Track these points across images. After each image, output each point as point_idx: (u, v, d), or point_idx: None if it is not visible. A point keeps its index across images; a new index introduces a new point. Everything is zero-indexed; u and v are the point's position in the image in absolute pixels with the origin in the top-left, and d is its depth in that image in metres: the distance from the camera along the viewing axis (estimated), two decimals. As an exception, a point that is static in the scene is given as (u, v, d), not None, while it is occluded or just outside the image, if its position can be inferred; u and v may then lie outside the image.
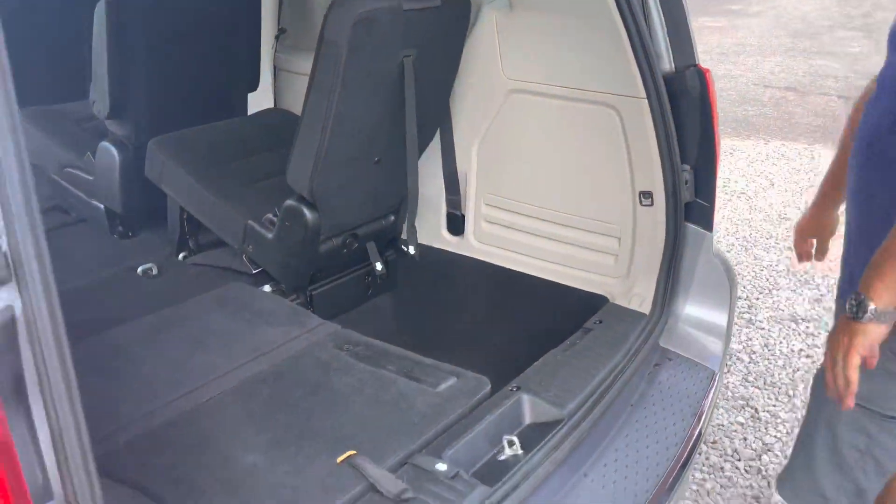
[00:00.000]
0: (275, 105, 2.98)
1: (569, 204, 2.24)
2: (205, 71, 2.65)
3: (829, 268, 3.88)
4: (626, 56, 1.92)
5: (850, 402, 1.36)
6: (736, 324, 3.37)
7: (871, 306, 1.28)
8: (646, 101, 1.95)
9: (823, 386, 1.57)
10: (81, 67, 2.69)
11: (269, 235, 2.22)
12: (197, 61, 2.60)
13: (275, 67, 2.95)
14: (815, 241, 1.90)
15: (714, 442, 2.73)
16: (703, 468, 2.60)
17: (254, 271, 2.37)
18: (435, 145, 2.45)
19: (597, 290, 2.18)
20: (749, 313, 3.58)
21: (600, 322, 2.03)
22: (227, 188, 2.37)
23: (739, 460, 2.64)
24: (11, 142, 0.78)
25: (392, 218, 2.44)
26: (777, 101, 7.10)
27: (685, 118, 1.96)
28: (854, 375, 1.33)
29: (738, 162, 5.52)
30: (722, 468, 2.61)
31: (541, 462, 1.53)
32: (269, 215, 2.23)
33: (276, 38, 2.94)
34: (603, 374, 1.81)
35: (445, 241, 2.51)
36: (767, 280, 3.89)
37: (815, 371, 3.07)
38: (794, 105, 6.94)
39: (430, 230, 2.52)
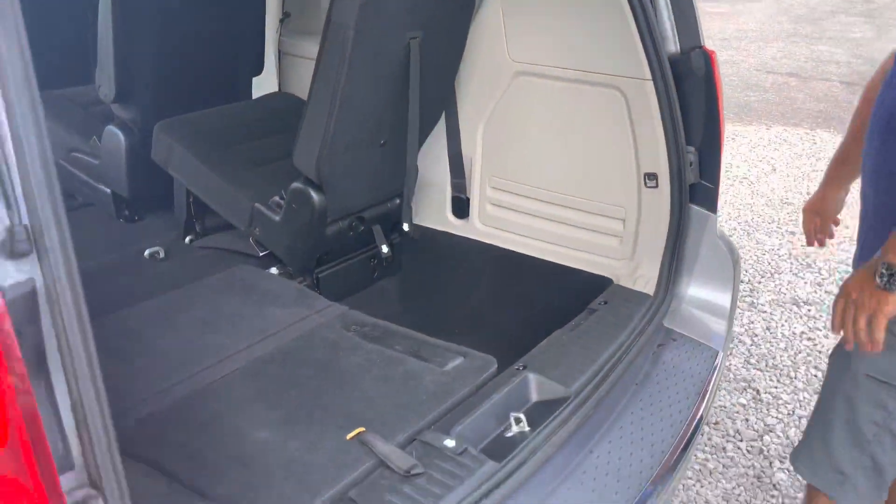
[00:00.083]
0: (279, 89, 2.99)
1: (573, 186, 2.24)
2: (210, 55, 2.65)
3: (831, 252, 3.90)
4: (632, 37, 1.93)
5: (878, 347, 1.43)
6: (738, 307, 3.39)
7: None
8: (651, 82, 1.96)
9: (841, 362, 1.59)
10: (87, 52, 2.69)
11: (276, 218, 2.23)
12: (202, 45, 2.61)
13: (279, 51, 2.96)
14: (819, 220, 1.92)
15: (716, 423, 2.75)
16: (706, 448, 2.62)
17: (260, 254, 2.38)
18: (440, 128, 2.45)
19: (602, 272, 2.19)
20: (751, 297, 3.60)
21: (605, 303, 2.04)
22: (233, 171, 2.38)
23: (741, 441, 2.67)
24: (31, 117, 0.79)
25: (398, 201, 2.45)
26: (779, 86, 7.09)
27: (690, 100, 1.97)
28: (881, 336, 1.40)
29: (740, 147, 5.52)
30: (724, 448, 2.63)
31: (547, 439, 1.55)
32: (276, 198, 2.24)
33: (281, 22, 2.94)
34: (608, 354, 1.82)
35: (450, 224, 2.52)
36: (769, 264, 3.91)
37: (818, 351, 3.09)
38: (796, 90, 6.93)
39: (435, 213, 2.53)
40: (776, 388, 2.95)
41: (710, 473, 2.52)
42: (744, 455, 2.60)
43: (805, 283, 3.72)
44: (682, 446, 1.72)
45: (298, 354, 1.82)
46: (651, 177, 2.06)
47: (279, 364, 1.78)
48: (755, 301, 3.56)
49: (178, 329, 1.92)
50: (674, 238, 2.05)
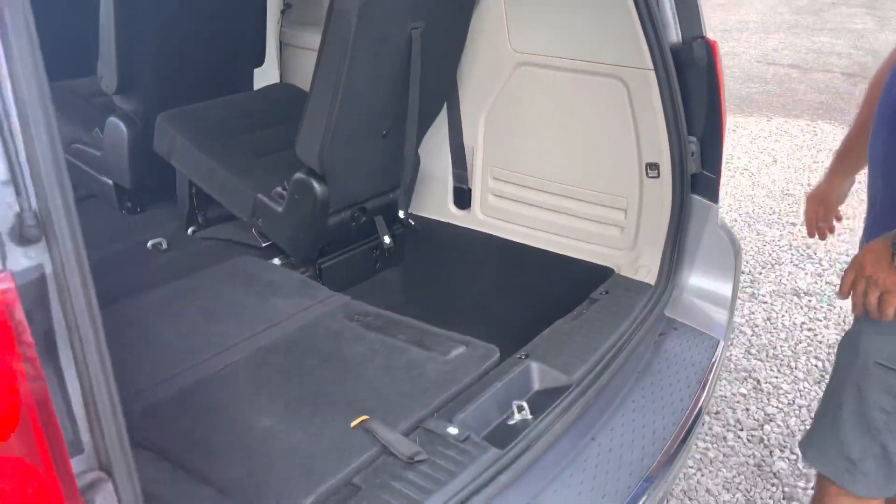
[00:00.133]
0: (281, 80, 2.99)
1: (575, 176, 2.25)
2: (211, 46, 2.66)
3: (832, 243, 3.91)
4: (634, 27, 1.93)
5: (887, 318, 1.45)
6: (739, 297, 3.40)
7: None
8: (653, 72, 1.96)
9: (850, 350, 1.59)
10: (89, 43, 2.69)
11: (279, 209, 2.24)
12: (203, 36, 2.61)
13: (280, 42, 2.96)
14: (822, 209, 1.92)
15: (717, 412, 2.77)
16: (707, 437, 2.64)
17: (263, 245, 2.39)
18: (442, 119, 2.46)
19: (603, 262, 2.20)
20: (752, 287, 3.61)
21: (607, 292, 2.05)
22: (236, 162, 2.39)
23: (742, 430, 2.68)
24: (39, 102, 0.80)
25: (400, 192, 2.46)
26: (780, 78, 7.08)
27: (692, 90, 1.97)
28: (891, 312, 1.42)
29: (741, 139, 5.52)
30: (724, 437, 2.65)
31: (549, 426, 1.56)
32: (279, 188, 2.25)
33: (282, 12, 2.94)
34: (609, 343, 1.83)
35: (452, 214, 2.53)
36: (770, 255, 3.91)
37: (819, 341, 3.10)
38: (797, 82, 6.93)
39: (437, 204, 2.53)
40: (776, 377, 2.97)
41: (711, 462, 2.53)
42: (744, 444, 2.62)
43: (805, 273, 3.73)
44: (682, 435, 1.73)
45: (302, 344, 1.83)
46: (653, 167, 2.06)
47: (283, 353, 1.79)
48: (756, 291, 3.57)
49: (181, 319, 1.93)
50: (675, 228, 2.06)
